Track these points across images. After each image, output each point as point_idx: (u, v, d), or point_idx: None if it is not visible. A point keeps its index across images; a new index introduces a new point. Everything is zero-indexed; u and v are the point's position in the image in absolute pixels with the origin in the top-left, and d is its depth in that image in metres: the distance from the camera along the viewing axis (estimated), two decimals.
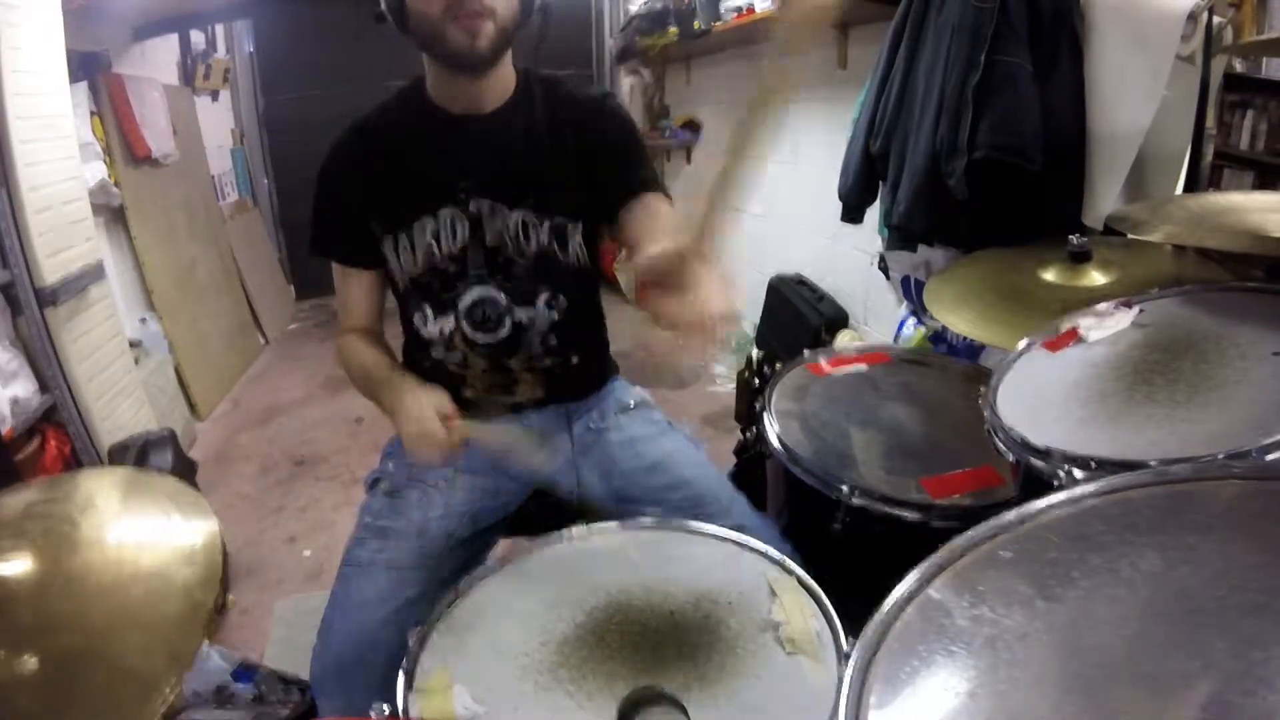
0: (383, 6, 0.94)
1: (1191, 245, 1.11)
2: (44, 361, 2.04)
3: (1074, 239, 1.18)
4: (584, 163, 1.03)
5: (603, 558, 0.87)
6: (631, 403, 1.17)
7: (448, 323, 1.04)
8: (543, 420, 1.11)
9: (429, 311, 1.05)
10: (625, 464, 1.09)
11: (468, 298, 1.03)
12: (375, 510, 1.03)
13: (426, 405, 0.92)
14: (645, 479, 1.06)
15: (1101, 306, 0.98)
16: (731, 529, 0.89)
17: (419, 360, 1.10)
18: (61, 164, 2.15)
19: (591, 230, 1.07)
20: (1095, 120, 1.38)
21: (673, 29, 3.31)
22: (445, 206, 1.01)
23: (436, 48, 0.93)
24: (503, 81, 1.02)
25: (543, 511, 1.13)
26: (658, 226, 0.99)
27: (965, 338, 1.54)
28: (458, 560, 1.00)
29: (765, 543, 0.93)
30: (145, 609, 0.62)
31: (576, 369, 1.11)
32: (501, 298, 1.03)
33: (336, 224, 1.05)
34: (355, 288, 1.09)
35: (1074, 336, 0.96)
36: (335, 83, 4.12)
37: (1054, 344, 0.96)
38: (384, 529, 1.00)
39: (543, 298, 1.05)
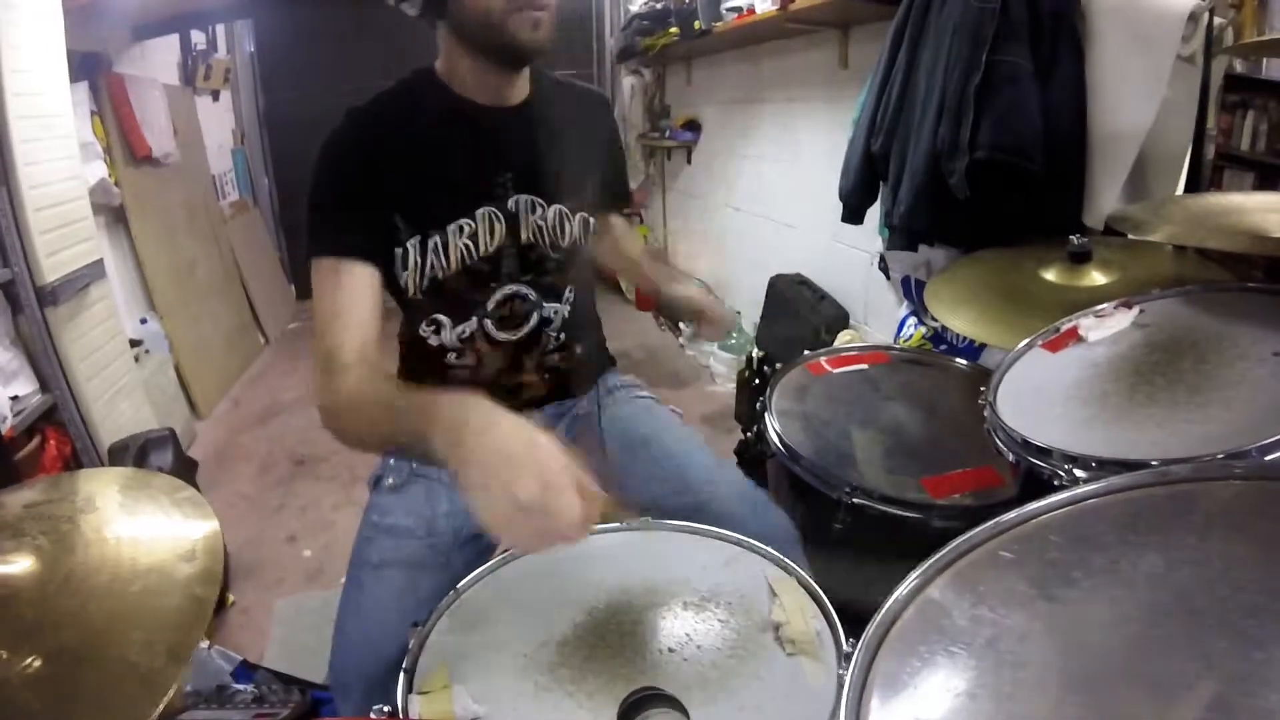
0: None
1: (1192, 245, 1.11)
2: (44, 361, 2.04)
3: (1074, 239, 1.18)
4: (598, 159, 1.09)
5: (603, 558, 0.86)
6: (618, 385, 1.18)
7: (469, 325, 1.01)
8: (544, 419, 1.11)
9: (444, 318, 1.00)
10: (612, 443, 1.09)
11: (496, 296, 1.01)
12: (381, 509, 1.01)
13: (560, 466, 0.60)
14: (633, 455, 1.07)
15: (1102, 307, 0.98)
16: (720, 500, 0.91)
17: (420, 370, 1.05)
18: (62, 163, 2.15)
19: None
20: (1096, 120, 1.38)
21: (673, 29, 3.31)
22: (483, 205, 0.98)
23: (494, 38, 0.88)
24: (525, 75, 1.01)
25: None
26: (624, 246, 1.23)
27: (965, 338, 1.54)
28: (466, 557, 0.99)
29: (756, 515, 0.96)
30: (145, 606, 0.62)
31: (579, 361, 1.12)
32: (531, 294, 1.03)
33: (352, 219, 0.92)
34: (361, 289, 0.89)
35: (1074, 336, 0.96)
36: (335, 83, 4.12)
37: (1054, 344, 0.97)
38: (392, 527, 0.98)
39: (567, 291, 1.06)
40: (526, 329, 1.04)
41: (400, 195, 0.93)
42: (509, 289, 1.02)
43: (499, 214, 0.99)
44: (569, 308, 1.07)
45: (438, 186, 0.96)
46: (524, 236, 1.00)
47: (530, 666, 0.71)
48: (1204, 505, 0.58)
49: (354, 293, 0.89)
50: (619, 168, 1.21)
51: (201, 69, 3.87)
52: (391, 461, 1.08)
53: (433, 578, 0.93)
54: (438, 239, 0.96)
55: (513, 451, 0.58)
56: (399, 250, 0.95)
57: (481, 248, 0.99)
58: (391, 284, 0.98)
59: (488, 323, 1.02)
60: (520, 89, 1.01)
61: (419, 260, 0.95)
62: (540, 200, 1.00)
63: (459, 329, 1.01)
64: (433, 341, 1.02)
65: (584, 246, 1.06)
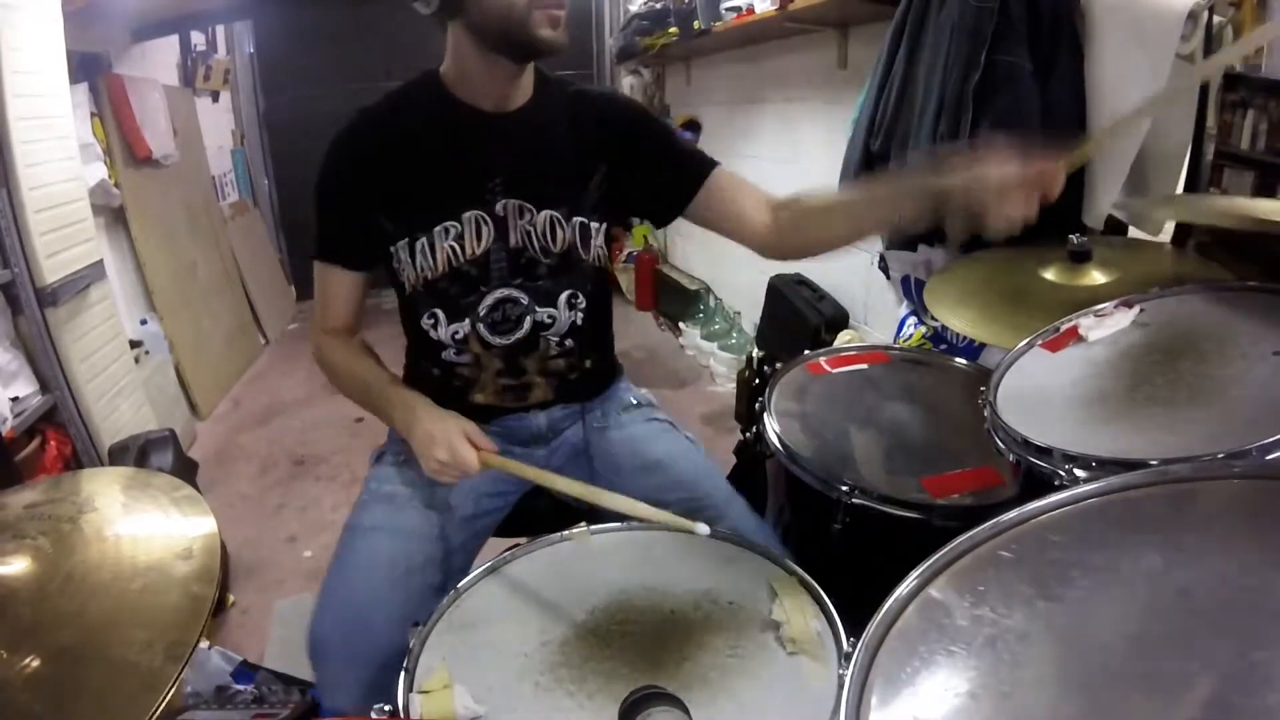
0: None
1: (1201, 224, 1.08)
2: (44, 361, 2.04)
3: (1074, 239, 1.18)
4: (614, 163, 1.04)
5: (603, 558, 0.87)
6: (634, 401, 1.17)
7: (462, 326, 1.02)
8: (550, 420, 1.11)
9: (441, 315, 1.02)
10: (625, 462, 1.09)
11: (488, 300, 1.02)
12: (381, 478, 1.03)
13: (454, 429, 0.92)
14: (644, 478, 1.06)
15: (1102, 306, 0.98)
16: (727, 531, 0.90)
17: (425, 365, 1.08)
18: (62, 164, 2.15)
19: (610, 230, 1.07)
20: (1096, 120, 1.38)
21: (673, 29, 3.31)
22: (470, 209, 0.98)
23: (514, 35, 0.89)
24: (529, 78, 1.01)
25: (544, 510, 1.13)
26: (755, 195, 1.06)
27: (965, 337, 1.54)
28: (461, 536, 1.00)
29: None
30: (145, 604, 0.62)
31: (588, 371, 1.11)
32: (523, 298, 1.02)
33: (345, 226, 1.02)
34: (343, 287, 1.05)
35: (1074, 336, 0.96)
36: (335, 83, 4.13)
37: (1054, 343, 0.97)
38: (390, 495, 1.00)
39: (564, 296, 1.04)
40: (520, 334, 1.03)
41: (389, 197, 0.98)
42: (500, 293, 1.01)
43: (486, 218, 0.99)
44: (579, 315, 1.05)
45: (424, 189, 0.98)
46: (513, 240, 1.00)
47: (530, 666, 0.71)
48: (1204, 505, 0.58)
49: (335, 287, 1.06)
50: (668, 147, 1.07)
51: (201, 70, 3.87)
52: (396, 441, 1.08)
53: (425, 548, 0.94)
54: (424, 240, 0.99)
55: (433, 433, 0.92)
56: (392, 249, 1.00)
57: (468, 250, 0.99)
58: (392, 277, 1.04)
59: (480, 326, 1.02)
60: (523, 92, 1.00)
61: (410, 260, 1.00)
62: (529, 205, 1.00)
63: (452, 328, 1.03)
64: (433, 335, 1.04)
65: (588, 255, 1.04)
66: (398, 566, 0.91)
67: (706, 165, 1.07)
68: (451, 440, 0.91)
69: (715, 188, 1.05)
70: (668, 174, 1.06)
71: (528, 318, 1.03)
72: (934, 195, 0.84)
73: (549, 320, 1.04)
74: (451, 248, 0.99)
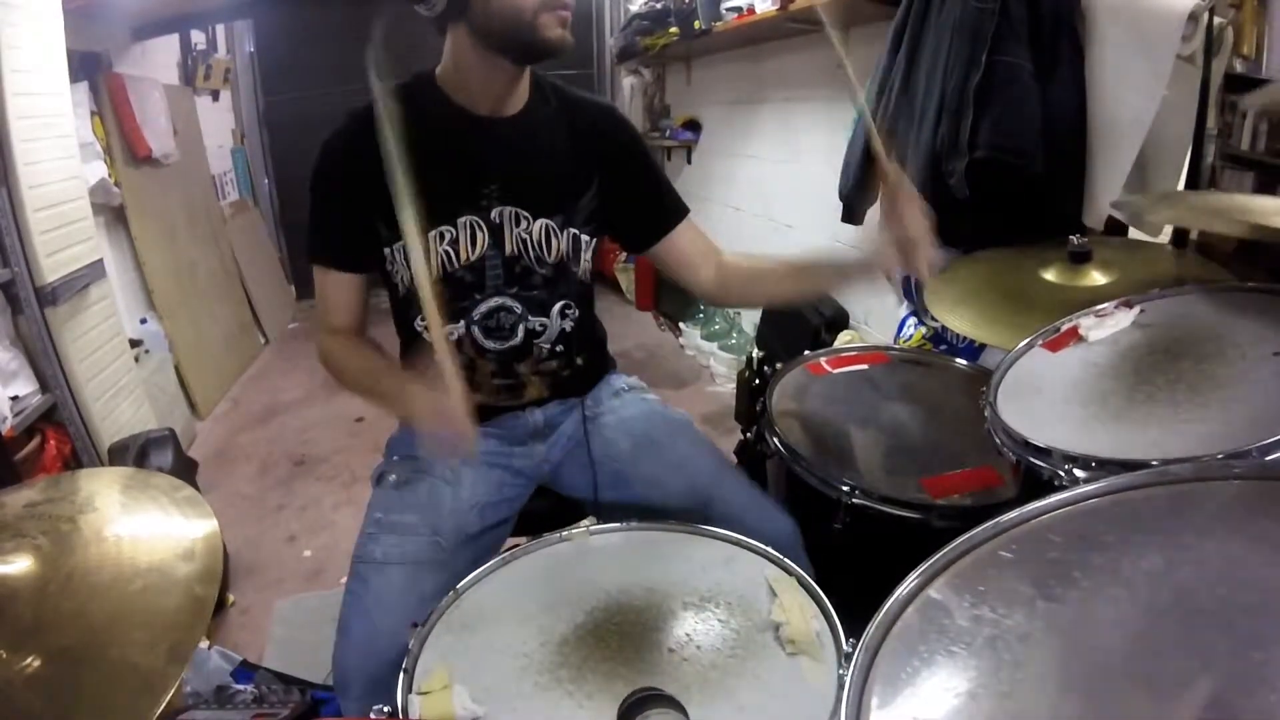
0: None
1: (1196, 228, 1.09)
2: (44, 361, 2.04)
3: (1074, 239, 1.18)
4: (605, 177, 1.04)
5: (603, 558, 0.87)
6: (625, 386, 1.19)
7: (456, 329, 1.02)
8: (546, 414, 1.11)
9: None
10: (620, 443, 1.10)
11: (482, 307, 1.02)
12: (385, 505, 1.02)
13: (456, 399, 0.87)
14: (642, 456, 1.07)
15: (1102, 306, 0.98)
16: (724, 502, 0.93)
17: (418, 363, 1.08)
18: (62, 163, 2.15)
19: (598, 245, 1.08)
20: (1096, 120, 1.38)
21: (673, 29, 3.31)
22: (465, 214, 0.98)
23: (522, 36, 0.89)
24: (525, 82, 1.01)
25: (547, 510, 1.13)
26: (707, 247, 1.12)
27: (965, 338, 1.54)
28: (469, 556, 0.99)
29: (759, 518, 0.96)
30: (146, 605, 0.62)
31: (581, 369, 1.12)
32: (517, 306, 1.03)
33: (339, 227, 1.01)
34: (344, 290, 1.04)
35: (1074, 336, 0.96)
36: (335, 83, 4.11)
37: (1054, 344, 0.97)
38: (395, 524, 0.99)
39: (557, 306, 1.05)
40: (514, 341, 1.04)
41: (383, 200, 0.95)
42: (495, 301, 1.02)
43: (481, 223, 0.99)
44: (569, 323, 1.06)
45: (419, 193, 0.97)
46: (508, 248, 1.00)
47: (530, 666, 0.71)
48: (1204, 505, 0.58)
49: (334, 290, 1.04)
50: (653, 180, 1.11)
51: (201, 69, 3.87)
52: (395, 459, 1.08)
53: (435, 575, 0.93)
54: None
55: (433, 409, 0.84)
56: (386, 251, 1.00)
57: (462, 255, 0.99)
58: (385, 279, 1.04)
59: (475, 330, 1.03)
60: (519, 98, 1.00)
61: (404, 262, 0.99)
62: (525, 213, 1.00)
63: (445, 331, 1.02)
64: (425, 338, 1.03)
65: (579, 266, 1.05)
66: (412, 598, 0.90)
67: (681, 211, 1.11)
68: (451, 414, 0.83)
69: (681, 236, 1.10)
70: (648, 207, 1.10)
71: (520, 325, 1.04)
72: (855, 267, 1.00)
73: (540, 329, 1.05)
74: (446, 252, 0.99)
